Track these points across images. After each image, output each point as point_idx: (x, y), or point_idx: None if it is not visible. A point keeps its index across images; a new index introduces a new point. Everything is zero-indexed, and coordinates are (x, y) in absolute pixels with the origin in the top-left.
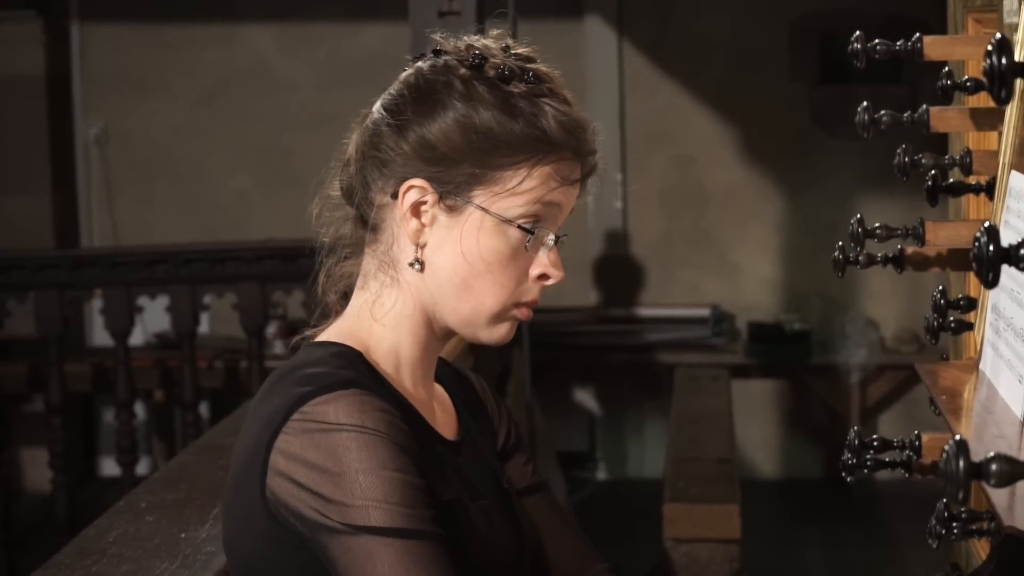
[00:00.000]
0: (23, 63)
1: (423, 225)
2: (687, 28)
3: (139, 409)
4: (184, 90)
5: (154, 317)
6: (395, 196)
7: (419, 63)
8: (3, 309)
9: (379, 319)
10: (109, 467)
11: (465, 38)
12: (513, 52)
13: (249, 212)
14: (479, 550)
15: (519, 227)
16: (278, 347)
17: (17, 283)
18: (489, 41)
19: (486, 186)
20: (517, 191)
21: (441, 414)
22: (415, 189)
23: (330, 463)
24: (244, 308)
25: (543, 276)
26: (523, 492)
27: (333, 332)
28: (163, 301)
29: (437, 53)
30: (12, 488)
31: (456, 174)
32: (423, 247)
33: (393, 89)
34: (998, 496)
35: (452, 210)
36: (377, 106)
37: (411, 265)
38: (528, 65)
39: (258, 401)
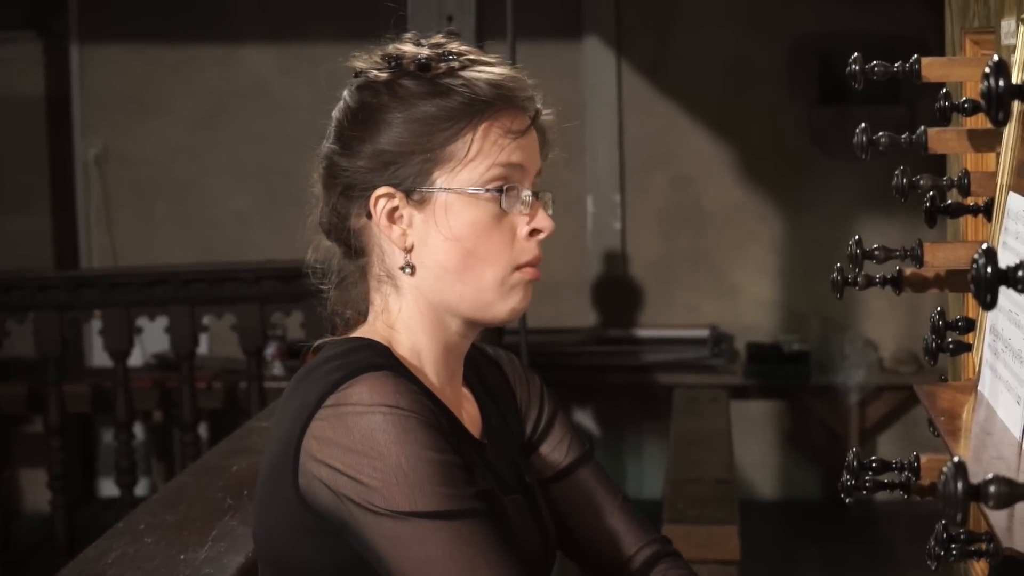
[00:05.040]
0: (23, 84)
1: (403, 230)
2: (686, 48)
3: (138, 430)
4: (183, 110)
5: (153, 338)
6: (369, 215)
7: (344, 92)
8: (3, 330)
9: (391, 324)
10: (108, 488)
11: (377, 49)
12: (427, 43)
13: (248, 233)
14: (513, 541)
15: (486, 191)
16: (277, 368)
17: (17, 304)
18: (402, 43)
19: (442, 166)
20: (470, 158)
21: (467, 416)
22: (382, 198)
23: (367, 446)
24: (243, 329)
25: (534, 232)
26: (564, 472)
27: (355, 334)
28: (162, 322)
29: (357, 75)
30: (11, 509)
31: (411, 167)
32: (410, 250)
33: (333, 121)
34: (997, 518)
35: (421, 203)
36: (324, 144)
37: (402, 270)
38: (444, 48)
39: (288, 394)
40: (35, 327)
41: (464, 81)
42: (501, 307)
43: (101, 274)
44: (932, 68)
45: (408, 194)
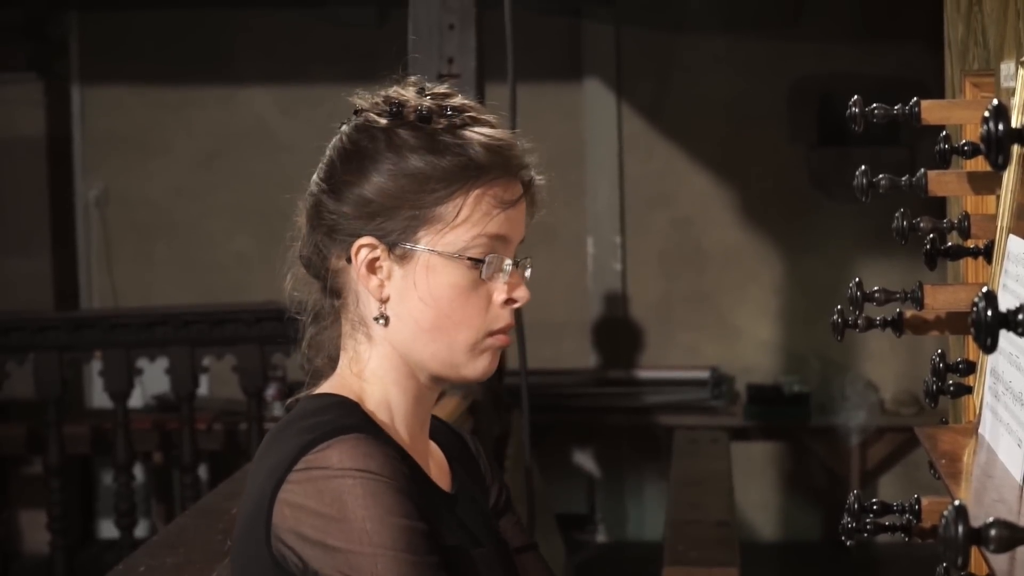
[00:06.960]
0: (24, 125)
1: (381, 281)
2: (686, 90)
3: (138, 471)
4: (184, 151)
5: (153, 379)
6: (349, 260)
7: (343, 127)
8: (2, 371)
9: (360, 375)
10: (108, 529)
11: (381, 91)
12: (429, 92)
13: (248, 274)
14: None
15: (469, 258)
16: (277, 409)
17: (16, 345)
18: (405, 88)
19: (428, 226)
20: (457, 223)
21: (436, 468)
22: (365, 248)
23: (335, 510)
24: (243, 370)
25: (510, 301)
26: (519, 550)
27: (326, 388)
28: (162, 363)
29: (357, 113)
30: (11, 550)
31: (397, 222)
32: (385, 301)
33: (324, 158)
34: (998, 562)
35: (403, 259)
36: (314, 178)
37: (376, 320)
38: (446, 101)
39: (261, 454)
40: (35, 368)
41: (462, 142)
42: (471, 370)
43: (101, 315)
44: (932, 111)
45: (391, 248)
